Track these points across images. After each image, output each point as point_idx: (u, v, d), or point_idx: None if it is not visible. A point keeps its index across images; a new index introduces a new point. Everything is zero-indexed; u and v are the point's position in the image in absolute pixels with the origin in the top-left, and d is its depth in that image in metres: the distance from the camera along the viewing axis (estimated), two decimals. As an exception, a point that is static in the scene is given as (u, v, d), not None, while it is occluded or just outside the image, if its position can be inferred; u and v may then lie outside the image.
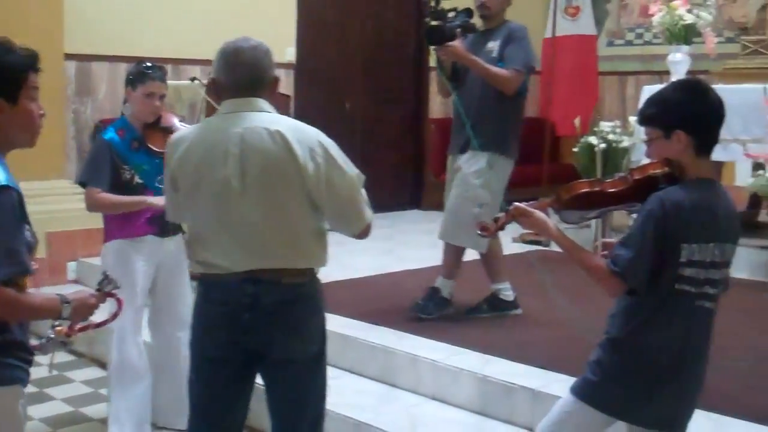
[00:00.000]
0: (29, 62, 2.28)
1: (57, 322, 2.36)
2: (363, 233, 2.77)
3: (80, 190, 6.58)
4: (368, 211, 2.75)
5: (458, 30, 4.51)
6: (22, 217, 2.22)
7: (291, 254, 2.65)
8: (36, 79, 2.29)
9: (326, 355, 2.83)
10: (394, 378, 4.22)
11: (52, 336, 2.37)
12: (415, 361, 4.15)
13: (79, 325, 2.42)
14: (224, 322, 2.67)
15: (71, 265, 6.26)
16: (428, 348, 4.24)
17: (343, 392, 4.01)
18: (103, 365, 5.03)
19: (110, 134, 3.87)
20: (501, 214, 2.77)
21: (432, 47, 4.60)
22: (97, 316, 2.57)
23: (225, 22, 6.93)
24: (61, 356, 5.17)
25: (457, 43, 4.47)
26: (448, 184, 4.80)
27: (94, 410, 4.44)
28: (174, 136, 2.80)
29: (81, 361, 5.18)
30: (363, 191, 2.74)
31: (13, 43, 2.30)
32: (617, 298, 2.54)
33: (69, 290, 2.52)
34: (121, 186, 3.82)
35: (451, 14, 4.56)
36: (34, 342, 2.42)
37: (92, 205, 3.86)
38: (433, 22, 4.52)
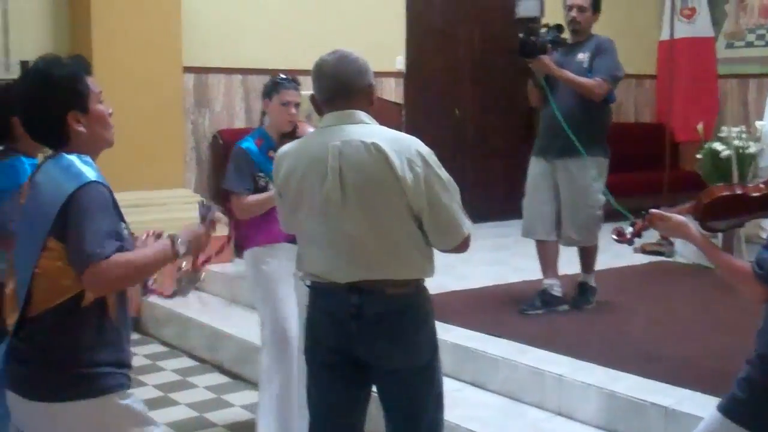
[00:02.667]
0: (81, 69, 2.34)
1: (183, 263, 2.40)
2: (462, 246, 2.73)
3: (199, 198, 6.83)
4: (467, 222, 2.71)
5: (549, 44, 4.94)
6: (115, 211, 2.27)
7: (393, 265, 2.63)
8: (94, 82, 2.36)
9: (439, 366, 2.80)
10: (517, 392, 4.14)
11: (181, 276, 2.42)
12: (539, 375, 4.06)
13: (201, 258, 2.44)
14: (332, 330, 2.69)
15: (192, 272, 6.37)
16: (552, 362, 4.14)
17: (465, 405, 3.96)
18: (224, 371, 5.14)
19: (248, 143, 3.99)
20: (638, 221, 2.69)
21: (525, 60, 4.94)
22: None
23: (337, 33, 7.00)
24: (185, 362, 5.32)
25: (546, 57, 4.87)
26: (535, 184, 5.14)
27: (218, 416, 4.52)
28: (279, 151, 2.84)
29: (203, 366, 5.29)
30: (460, 202, 2.69)
31: (61, 56, 2.37)
32: (766, 314, 2.41)
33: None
34: (258, 193, 3.92)
35: (543, 30, 4.96)
36: (163, 289, 2.47)
37: (242, 211, 3.94)
38: (527, 37, 4.90)
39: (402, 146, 2.60)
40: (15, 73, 6.23)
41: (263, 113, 4.14)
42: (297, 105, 3.99)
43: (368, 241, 2.60)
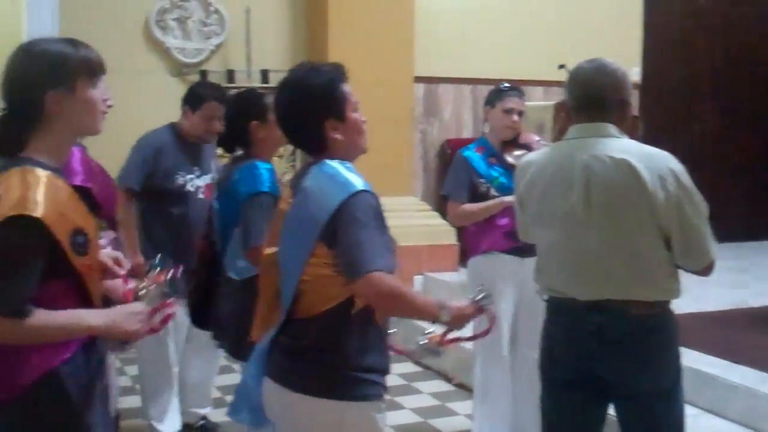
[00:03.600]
0: (338, 77, 2.33)
1: (430, 329, 2.36)
2: (706, 270, 2.58)
3: (427, 206, 6.93)
4: (713, 247, 2.55)
5: None
6: (382, 220, 2.26)
7: (640, 285, 2.52)
8: (350, 89, 2.34)
9: (681, 391, 2.64)
10: (758, 422, 3.85)
11: (424, 342, 2.37)
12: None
13: (451, 336, 2.39)
14: (571, 347, 2.61)
15: (417, 279, 6.47)
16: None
17: (701, 432, 3.73)
18: (449, 379, 5.14)
19: (469, 151, 4.02)
20: None
21: None
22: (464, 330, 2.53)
23: (568, 43, 6.88)
24: (409, 367, 5.37)
25: None
26: None
27: (441, 423, 4.53)
28: (523, 160, 2.80)
29: (428, 373, 5.32)
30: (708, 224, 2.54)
31: (318, 64, 2.37)
32: None
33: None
34: (478, 199, 3.93)
35: None
36: (402, 347, 2.45)
37: (456, 217, 3.99)
38: None
39: (654, 162, 2.50)
40: (256, 82, 6.60)
41: (485, 121, 4.15)
42: (520, 113, 3.97)
43: (613, 260, 2.52)
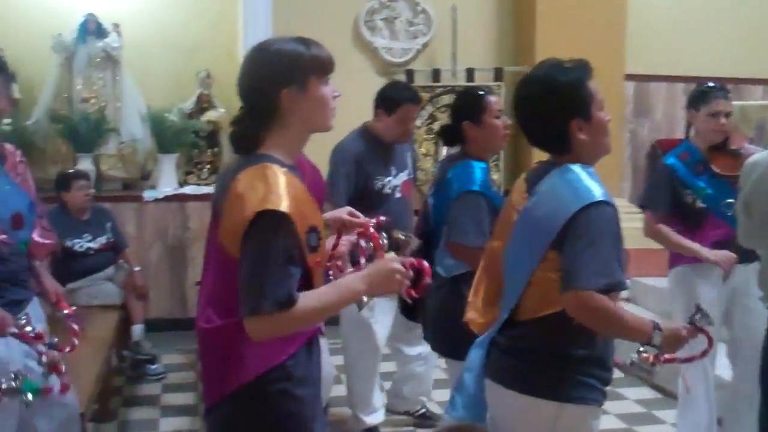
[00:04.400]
0: (584, 74, 2.26)
1: (643, 348, 2.27)
2: None
3: (635, 209, 6.69)
4: None
5: None
6: (617, 234, 2.18)
7: None
8: (595, 87, 2.26)
9: None
10: None
11: (637, 361, 2.28)
12: None
13: (665, 356, 2.28)
14: None
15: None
16: None
17: None
18: (656, 387, 4.95)
19: (671, 159, 3.79)
20: None
21: None
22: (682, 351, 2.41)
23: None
24: (614, 373, 5.19)
25: None
26: None
27: (646, 431, 4.40)
28: (750, 160, 2.66)
29: (632, 379, 5.13)
30: None
31: (563, 61, 2.29)
32: None
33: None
34: (682, 211, 3.73)
35: None
36: (618, 359, 2.38)
37: (648, 231, 3.83)
38: None
39: None
40: (461, 80, 6.63)
41: (689, 124, 3.90)
42: (728, 114, 3.70)
43: None
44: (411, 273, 2.06)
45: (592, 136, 2.24)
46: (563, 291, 2.11)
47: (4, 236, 2.86)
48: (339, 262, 2.27)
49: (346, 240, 2.33)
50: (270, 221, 1.91)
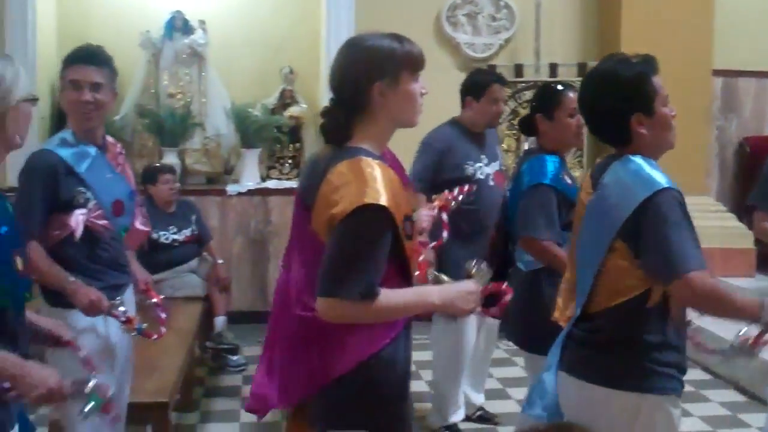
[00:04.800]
0: (649, 69, 2.24)
1: (743, 330, 2.23)
2: None
3: (722, 207, 6.54)
4: None
5: None
6: (689, 217, 2.15)
7: None
8: (660, 82, 2.24)
9: None
10: None
11: (737, 344, 2.25)
12: None
13: (765, 338, 2.23)
14: None
15: (709, 284, 6.13)
16: None
17: None
18: (742, 390, 4.82)
19: None
20: None
21: None
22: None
23: None
24: (699, 374, 5.10)
25: None
26: None
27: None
28: None
29: (718, 381, 5.03)
30: None
31: (629, 56, 2.27)
32: None
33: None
34: None
35: None
36: (711, 346, 2.37)
37: (759, 231, 3.66)
38: None
39: None
40: (544, 76, 6.55)
41: None
42: None
43: None
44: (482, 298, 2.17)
45: (654, 131, 2.24)
46: (667, 281, 2.10)
47: (105, 222, 2.96)
48: (421, 239, 2.30)
49: (427, 215, 2.36)
50: (369, 215, 1.96)
